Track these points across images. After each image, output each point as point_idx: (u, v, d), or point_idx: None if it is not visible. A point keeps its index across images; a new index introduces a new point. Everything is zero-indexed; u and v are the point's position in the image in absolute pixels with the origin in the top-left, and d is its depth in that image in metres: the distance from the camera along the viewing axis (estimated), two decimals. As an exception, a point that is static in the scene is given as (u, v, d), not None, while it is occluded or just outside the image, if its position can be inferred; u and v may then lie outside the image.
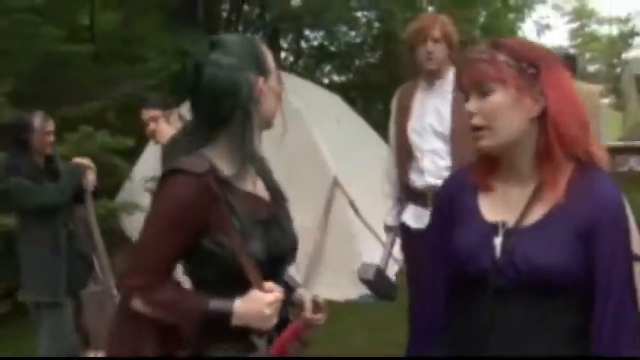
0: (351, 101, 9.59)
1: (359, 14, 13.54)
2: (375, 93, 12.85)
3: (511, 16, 15.58)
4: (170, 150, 1.62)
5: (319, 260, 5.54)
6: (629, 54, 25.47)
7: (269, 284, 1.51)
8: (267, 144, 1.64)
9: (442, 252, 1.58)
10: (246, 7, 13.10)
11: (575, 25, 31.00)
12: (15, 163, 3.55)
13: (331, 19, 12.39)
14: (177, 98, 4.21)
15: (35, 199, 3.48)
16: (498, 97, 1.41)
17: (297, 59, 14.89)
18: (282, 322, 1.60)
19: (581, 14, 30.79)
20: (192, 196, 1.46)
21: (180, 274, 1.58)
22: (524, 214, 1.45)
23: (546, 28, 18.82)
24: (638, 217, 1.54)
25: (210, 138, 1.55)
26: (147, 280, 1.48)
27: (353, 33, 14.03)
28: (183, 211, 1.46)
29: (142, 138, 5.25)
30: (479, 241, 1.48)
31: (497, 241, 1.46)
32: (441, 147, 3.09)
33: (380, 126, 5.45)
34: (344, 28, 13.80)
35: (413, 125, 3.19)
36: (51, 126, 3.70)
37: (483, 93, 1.43)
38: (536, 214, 1.45)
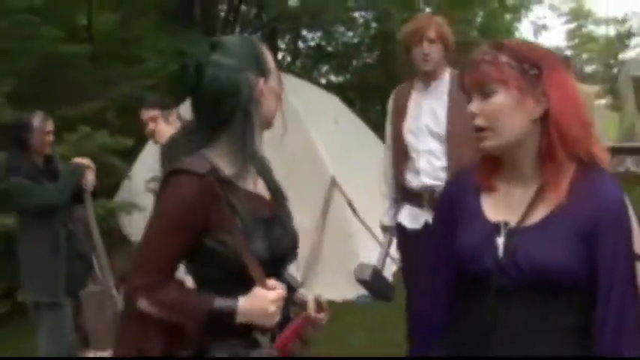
0: (348, 101, 9.60)
1: (356, 14, 13.55)
2: (373, 93, 12.87)
3: (508, 16, 15.61)
4: (170, 150, 1.63)
5: (317, 260, 5.55)
6: (626, 55, 25.46)
7: (272, 282, 1.53)
8: (266, 144, 1.66)
9: (444, 252, 1.58)
10: (243, 8, 13.10)
11: (572, 25, 30.97)
12: (15, 163, 3.55)
13: (329, 19, 12.38)
14: (175, 98, 4.23)
15: (35, 199, 3.47)
16: (501, 98, 1.42)
17: (294, 59, 14.90)
18: (284, 320, 1.62)
19: (578, 15, 30.77)
20: (194, 196, 1.46)
21: (182, 273, 1.60)
22: (526, 214, 1.46)
23: (543, 28, 18.88)
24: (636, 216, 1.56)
25: (211, 138, 1.57)
26: (151, 280, 1.49)
27: (350, 33, 14.05)
28: (186, 212, 1.47)
29: (141, 138, 5.27)
30: (481, 241, 1.49)
31: (500, 240, 1.46)
32: (437, 147, 3.10)
33: (378, 126, 5.46)
34: (341, 29, 13.81)
35: (409, 126, 3.21)
36: (50, 126, 3.69)
37: (486, 94, 1.43)
38: (539, 214, 1.45)
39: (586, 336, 1.43)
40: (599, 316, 1.41)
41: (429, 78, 3.19)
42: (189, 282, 1.60)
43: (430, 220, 3.07)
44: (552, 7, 29.01)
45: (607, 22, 29.35)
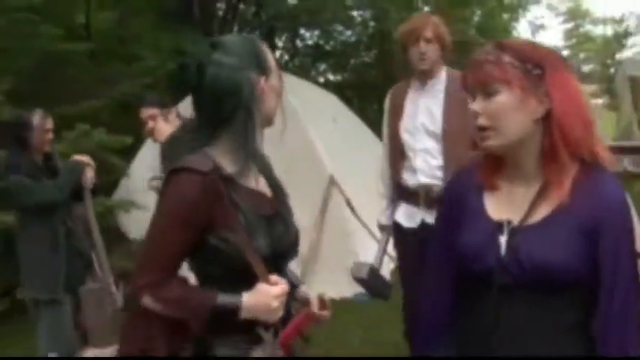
0: (346, 100, 9.59)
1: (354, 13, 13.55)
2: (371, 92, 12.87)
3: (505, 16, 15.63)
4: (170, 148, 1.64)
5: (315, 258, 5.54)
6: (623, 54, 25.49)
7: (275, 277, 1.54)
8: (265, 142, 1.67)
9: (447, 251, 1.59)
10: (242, 6, 13.09)
11: (569, 25, 31.04)
12: (14, 161, 3.54)
13: (327, 18, 12.39)
14: (174, 96, 4.25)
15: (35, 197, 3.47)
16: (503, 98, 1.42)
17: (292, 58, 14.90)
18: (286, 316, 1.63)
19: (576, 14, 30.83)
20: (197, 194, 1.47)
21: (185, 270, 1.60)
22: (529, 213, 1.47)
23: (541, 28, 18.99)
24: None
25: (212, 137, 1.58)
26: (155, 277, 1.50)
27: (348, 32, 14.04)
28: (189, 210, 1.48)
29: (139, 136, 5.27)
30: (484, 239, 1.50)
31: (503, 239, 1.47)
32: (433, 146, 3.12)
33: (375, 125, 5.46)
34: (339, 27, 13.80)
35: (405, 125, 3.22)
36: (50, 124, 3.69)
37: (488, 94, 1.44)
38: (541, 213, 1.46)
39: (587, 333, 1.45)
40: (603, 314, 1.42)
41: (425, 77, 3.19)
42: (193, 279, 1.61)
43: (427, 219, 3.09)
44: (550, 7, 29.10)
45: (604, 21, 29.44)
